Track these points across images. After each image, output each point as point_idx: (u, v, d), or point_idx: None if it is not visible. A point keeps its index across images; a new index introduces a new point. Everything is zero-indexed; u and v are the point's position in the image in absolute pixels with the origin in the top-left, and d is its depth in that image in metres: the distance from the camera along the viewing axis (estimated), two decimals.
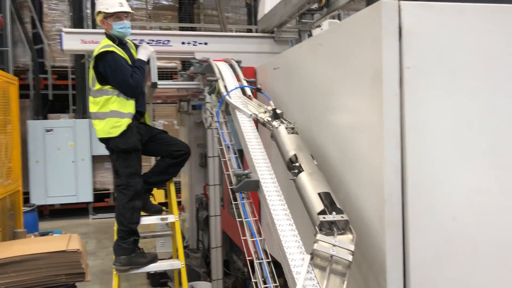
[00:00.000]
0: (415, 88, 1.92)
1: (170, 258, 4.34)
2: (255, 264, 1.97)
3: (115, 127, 3.47)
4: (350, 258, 1.75)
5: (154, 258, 3.61)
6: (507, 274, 2.00)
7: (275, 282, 1.90)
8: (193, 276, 5.42)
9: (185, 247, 6.17)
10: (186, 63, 9.15)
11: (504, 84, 2.02)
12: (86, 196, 10.31)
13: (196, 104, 5.48)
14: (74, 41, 4.86)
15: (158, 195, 4.42)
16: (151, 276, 6.01)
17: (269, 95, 3.32)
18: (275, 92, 3.27)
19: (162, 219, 3.78)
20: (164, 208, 4.00)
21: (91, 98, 3.62)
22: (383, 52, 1.89)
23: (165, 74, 9.97)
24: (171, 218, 3.79)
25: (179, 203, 7.64)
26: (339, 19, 6.59)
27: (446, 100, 1.95)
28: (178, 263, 3.63)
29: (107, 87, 3.52)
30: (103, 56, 3.46)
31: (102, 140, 3.56)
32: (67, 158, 10.18)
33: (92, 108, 3.60)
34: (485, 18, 2.00)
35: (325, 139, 2.49)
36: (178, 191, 9.97)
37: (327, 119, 2.47)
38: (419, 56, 1.93)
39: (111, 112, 3.49)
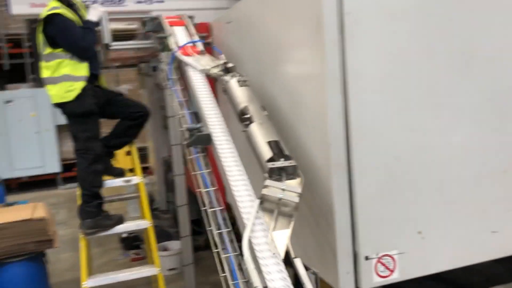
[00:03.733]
0: (355, 33, 1.96)
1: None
2: (208, 212, 2.04)
3: (69, 91, 3.40)
4: (297, 199, 1.83)
5: (120, 220, 3.64)
6: (445, 207, 2.14)
7: (227, 227, 1.97)
8: (164, 236, 5.51)
9: (155, 209, 6.24)
10: None
11: (441, 24, 2.08)
12: (53, 167, 10.16)
13: (156, 65, 5.39)
14: (22, 5, 4.66)
15: (124, 162, 4.43)
16: (123, 240, 6.08)
17: (224, 49, 3.32)
18: (229, 46, 3.27)
19: (126, 181, 3.80)
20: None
21: (42, 63, 3.52)
22: None
23: (126, 36, 9.69)
24: (135, 179, 3.81)
25: (147, 167, 7.65)
26: None
27: (385, 44, 2.01)
28: (145, 223, 3.68)
29: (58, 50, 3.42)
30: (51, 19, 3.35)
31: (57, 105, 3.50)
32: (30, 129, 9.94)
33: (45, 73, 3.51)
34: None
35: (276, 90, 2.53)
36: (145, 155, 9.97)
37: (276, 70, 2.50)
38: (358, 0, 1.96)
39: (64, 76, 3.41)
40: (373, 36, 1.99)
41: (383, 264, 2.07)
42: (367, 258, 2.03)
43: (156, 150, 5.92)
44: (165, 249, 5.30)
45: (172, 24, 3.08)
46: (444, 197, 2.14)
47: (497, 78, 2.21)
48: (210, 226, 1.99)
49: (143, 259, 5.52)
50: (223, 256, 1.84)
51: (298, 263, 1.62)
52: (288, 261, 1.69)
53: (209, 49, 3.09)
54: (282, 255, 1.66)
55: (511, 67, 2.22)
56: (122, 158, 4.91)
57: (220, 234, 1.95)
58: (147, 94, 5.91)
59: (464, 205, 2.18)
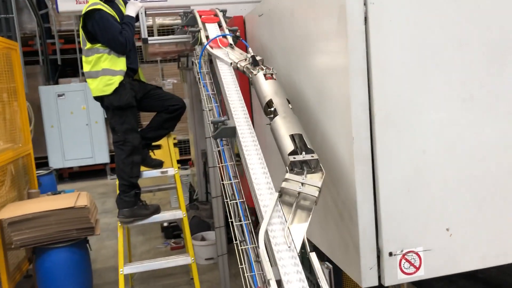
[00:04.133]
0: (379, 23, 1.91)
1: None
2: (230, 204, 2.06)
3: (108, 85, 3.54)
4: (316, 194, 1.81)
5: (156, 210, 3.76)
6: (475, 204, 2.05)
7: (248, 220, 1.99)
8: (203, 226, 5.63)
9: (195, 200, 6.37)
10: None
11: (473, 11, 1.99)
12: (102, 157, 10.58)
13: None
14: (68, 2, 4.85)
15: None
16: (164, 229, 6.26)
17: (256, 43, 3.33)
18: (261, 39, 3.27)
19: (162, 172, 3.90)
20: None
21: (83, 58, 3.67)
22: None
23: (171, 30, 9.89)
24: (171, 171, 3.90)
25: (189, 159, 7.81)
26: None
27: (412, 34, 1.94)
28: (180, 213, 3.77)
29: (98, 45, 3.56)
30: (91, 15, 3.48)
31: (97, 98, 3.64)
32: (81, 121, 10.39)
33: (85, 67, 3.66)
34: None
35: (303, 83, 2.51)
36: (187, 148, 10.14)
37: (304, 63, 2.48)
38: None
39: (103, 71, 3.54)
40: (399, 26, 1.92)
41: (408, 261, 2.02)
42: (391, 254, 1.99)
43: (195, 142, 6.02)
44: (203, 239, 5.41)
45: (204, 20, 3.11)
46: (474, 193, 2.05)
47: None
48: (231, 219, 2.02)
49: (182, 248, 5.67)
50: (241, 248, 1.86)
51: (313, 257, 1.61)
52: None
53: (241, 43, 3.10)
54: (298, 248, 1.66)
55: None
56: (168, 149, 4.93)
57: (241, 226, 1.97)
58: (187, 87, 6.02)
59: (495, 202, 2.08)
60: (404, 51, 1.94)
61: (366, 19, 1.91)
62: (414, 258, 2.02)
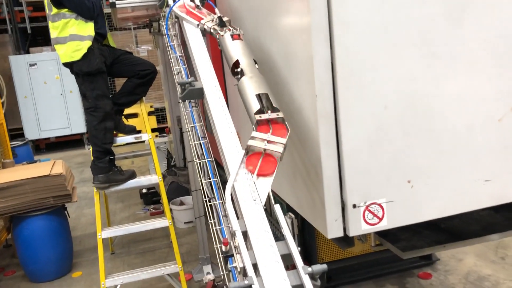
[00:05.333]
0: None
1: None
2: (196, 164, 2.11)
3: (76, 50, 3.48)
4: (281, 150, 1.87)
5: (132, 175, 3.78)
6: (434, 156, 2.14)
7: (217, 177, 2.05)
8: (181, 191, 5.70)
9: (173, 166, 6.41)
10: None
11: None
12: (79, 127, 10.49)
13: None
14: None
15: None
16: (143, 195, 6.32)
17: (225, 5, 3.30)
18: (229, 1, 3.25)
19: (136, 138, 3.91)
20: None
21: (50, 24, 3.59)
22: None
23: None
24: (145, 136, 3.91)
25: (166, 126, 7.80)
26: None
27: None
28: (155, 178, 3.81)
29: (64, 10, 3.48)
30: None
31: (66, 64, 3.59)
32: (55, 91, 10.22)
33: (52, 33, 3.58)
34: None
35: (270, 44, 2.53)
36: (164, 116, 10.08)
37: (270, 23, 2.49)
38: None
39: (70, 36, 3.48)
40: None
41: (371, 212, 2.11)
42: (354, 206, 2.08)
43: (171, 110, 6.01)
44: (182, 204, 5.49)
45: None
46: (435, 146, 2.14)
47: (493, 25, 2.14)
48: (200, 177, 2.07)
49: (162, 213, 5.74)
50: (210, 203, 1.92)
51: (277, 209, 1.68)
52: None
53: (208, 4, 3.08)
54: (264, 201, 1.73)
55: (506, 13, 2.15)
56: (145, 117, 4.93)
57: (211, 184, 2.03)
58: (160, 53, 5.95)
59: (456, 154, 2.18)
60: (365, 9, 1.98)
61: None
62: (377, 209, 2.12)
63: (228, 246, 1.61)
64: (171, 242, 3.82)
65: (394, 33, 2.03)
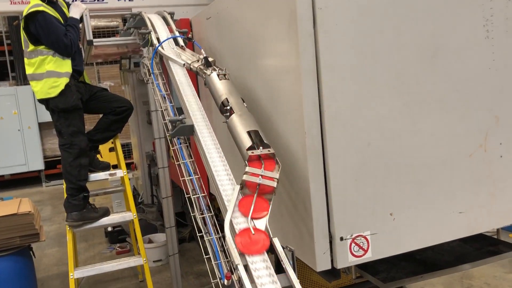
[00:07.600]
0: (327, 27, 2.08)
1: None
2: (192, 199, 2.14)
3: (53, 87, 3.47)
4: (274, 184, 1.95)
5: (106, 212, 3.72)
6: (414, 190, 2.28)
7: (210, 212, 2.08)
8: (150, 229, 5.61)
9: (140, 203, 6.32)
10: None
11: (408, 18, 2.22)
12: (36, 164, 10.16)
13: (138, 61, 5.45)
14: (2, 2, 4.67)
15: (108, 158, 4.48)
16: (109, 233, 6.16)
17: (204, 45, 3.42)
18: (209, 42, 3.37)
19: (110, 175, 3.87)
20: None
21: (26, 60, 3.58)
22: None
23: (107, 33, 9.69)
24: (120, 173, 3.89)
25: (131, 162, 7.71)
26: None
27: (356, 37, 2.13)
28: (130, 215, 3.77)
29: (41, 47, 3.49)
30: (33, 16, 3.41)
31: (41, 101, 3.56)
32: (12, 127, 9.92)
33: (28, 70, 3.56)
34: None
35: (255, 83, 2.64)
36: (129, 151, 9.96)
37: (255, 64, 2.61)
38: None
39: (47, 73, 3.48)
40: (344, 30, 2.10)
41: (357, 244, 2.20)
42: (342, 238, 2.16)
43: (139, 145, 5.98)
44: (150, 242, 5.39)
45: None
46: (414, 180, 2.28)
47: (461, 69, 2.35)
48: (193, 212, 2.10)
49: (128, 252, 5.61)
50: (206, 238, 1.95)
51: (276, 242, 1.74)
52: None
53: (190, 44, 3.18)
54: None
55: (473, 59, 2.37)
56: (106, 154, 4.97)
57: (203, 219, 2.06)
58: (129, 90, 5.97)
59: (432, 188, 2.33)
60: (349, 53, 2.13)
61: (314, 23, 2.08)
62: (362, 242, 2.21)
63: (230, 280, 1.65)
64: (142, 281, 3.74)
65: (375, 75, 2.19)
